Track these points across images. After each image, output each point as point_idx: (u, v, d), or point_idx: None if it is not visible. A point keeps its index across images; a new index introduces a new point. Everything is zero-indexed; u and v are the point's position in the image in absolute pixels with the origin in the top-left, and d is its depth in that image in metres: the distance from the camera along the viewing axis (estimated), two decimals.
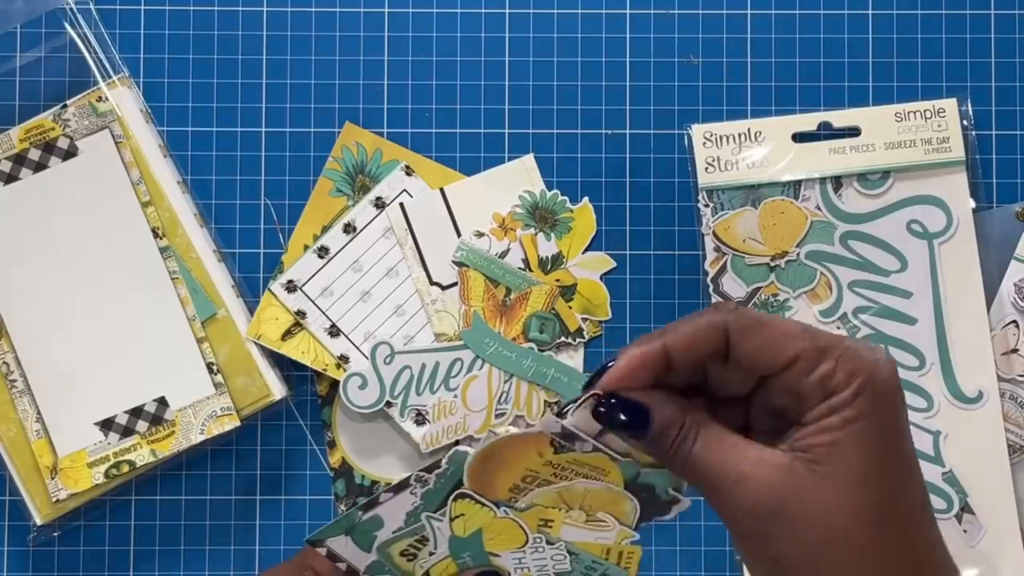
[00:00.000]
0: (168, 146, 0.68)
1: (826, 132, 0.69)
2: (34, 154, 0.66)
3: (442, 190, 0.69)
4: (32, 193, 0.66)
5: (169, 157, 0.68)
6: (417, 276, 0.68)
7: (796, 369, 0.37)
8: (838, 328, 0.67)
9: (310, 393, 0.69)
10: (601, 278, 0.69)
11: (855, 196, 0.68)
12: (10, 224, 0.66)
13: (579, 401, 0.40)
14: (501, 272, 0.68)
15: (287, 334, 0.68)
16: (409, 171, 0.69)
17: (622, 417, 0.39)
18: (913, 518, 0.38)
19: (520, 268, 0.69)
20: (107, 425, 0.65)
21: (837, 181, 0.68)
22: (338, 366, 0.67)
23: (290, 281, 0.68)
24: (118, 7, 0.69)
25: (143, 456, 0.65)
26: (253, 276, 0.69)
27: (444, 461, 0.46)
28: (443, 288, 0.68)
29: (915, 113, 0.68)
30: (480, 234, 0.69)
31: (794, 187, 0.68)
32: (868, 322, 0.67)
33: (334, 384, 0.68)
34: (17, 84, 0.69)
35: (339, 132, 0.69)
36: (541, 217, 0.69)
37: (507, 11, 0.70)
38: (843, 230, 0.68)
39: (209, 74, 0.70)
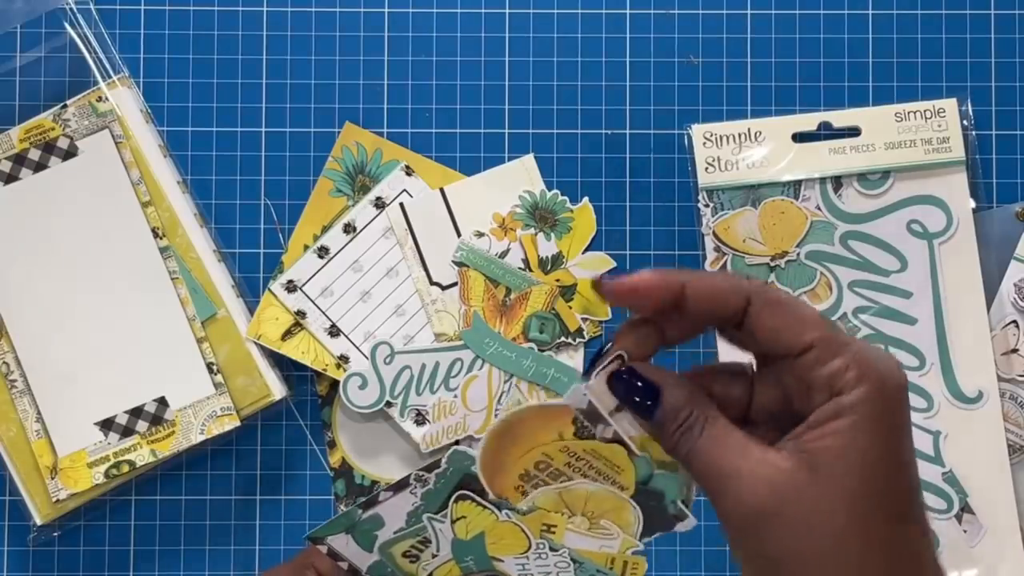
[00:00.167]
0: (168, 146, 0.68)
1: (826, 132, 0.69)
2: (34, 154, 0.66)
3: (442, 190, 0.69)
4: (32, 193, 0.66)
5: (169, 157, 0.68)
6: (417, 276, 0.68)
7: (809, 357, 0.37)
8: None
9: (310, 393, 0.69)
10: None
11: (855, 196, 0.68)
12: (10, 224, 0.66)
13: (606, 361, 0.39)
14: (501, 272, 0.68)
15: (287, 334, 0.68)
16: (409, 171, 0.69)
17: (635, 387, 0.39)
18: (911, 523, 0.38)
19: (520, 268, 0.69)
20: (107, 425, 0.65)
21: (837, 181, 0.68)
22: (338, 366, 0.67)
23: (290, 281, 0.68)
24: (118, 7, 0.69)
25: (143, 456, 0.65)
26: (253, 276, 0.69)
27: (444, 461, 0.46)
28: (443, 288, 0.68)
29: (915, 113, 0.68)
30: (480, 234, 0.69)
31: (794, 187, 0.68)
32: (868, 322, 0.67)
33: (334, 384, 0.68)
34: (17, 84, 0.69)
35: (339, 132, 0.69)
36: (541, 217, 0.69)
37: (507, 11, 0.70)
38: (843, 230, 0.68)
39: (209, 74, 0.70)
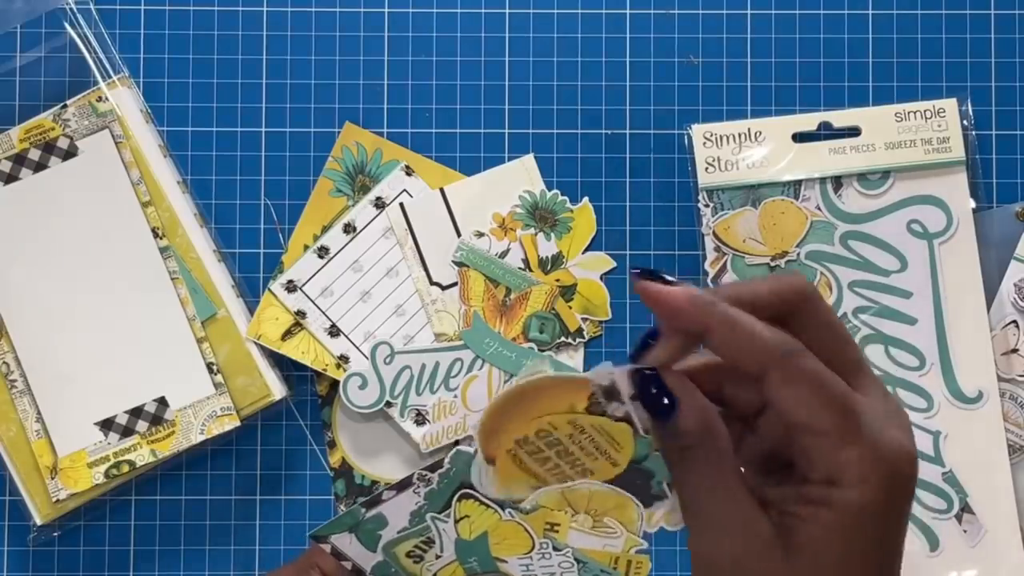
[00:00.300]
0: (168, 146, 0.68)
1: (826, 132, 0.69)
2: (34, 154, 0.66)
3: (442, 190, 0.69)
4: (32, 193, 0.66)
5: (169, 157, 0.68)
6: (417, 276, 0.68)
7: (816, 440, 0.35)
8: None
9: (310, 393, 0.69)
10: (601, 278, 0.69)
11: (855, 196, 0.68)
12: (10, 224, 0.66)
13: (642, 357, 0.38)
14: (501, 272, 0.68)
15: (287, 334, 0.68)
16: (409, 171, 0.69)
17: (654, 392, 0.37)
18: None
19: (520, 268, 0.69)
20: (107, 425, 0.65)
21: (837, 181, 0.68)
22: (338, 366, 0.67)
23: (290, 281, 0.68)
24: (118, 7, 0.69)
25: (143, 456, 0.65)
26: (253, 276, 0.69)
27: (447, 460, 0.46)
28: (443, 288, 0.68)
29: (915, 113, 0.68)
30: (480, 234, 0.69)
31: (794, 187, 0.68)
32: (868, 322, 0.67)
33: (334, 384, 0.68)
34: (17, 84, 0.69)
35: (339, 132, 0.69)
36: (541, 217, 0.69)
37: (507, 11, 0.70)
38: (843, 230, 0.68)
39: (209, 74, 0.70)
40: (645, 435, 0.41)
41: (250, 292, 0.69)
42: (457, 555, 0.49)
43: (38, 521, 0.66)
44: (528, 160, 0.69)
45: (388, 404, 0.67)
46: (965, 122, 0.68)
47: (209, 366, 0.66)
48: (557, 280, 0.69)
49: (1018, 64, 0.70)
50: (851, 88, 0.70)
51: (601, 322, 0.69)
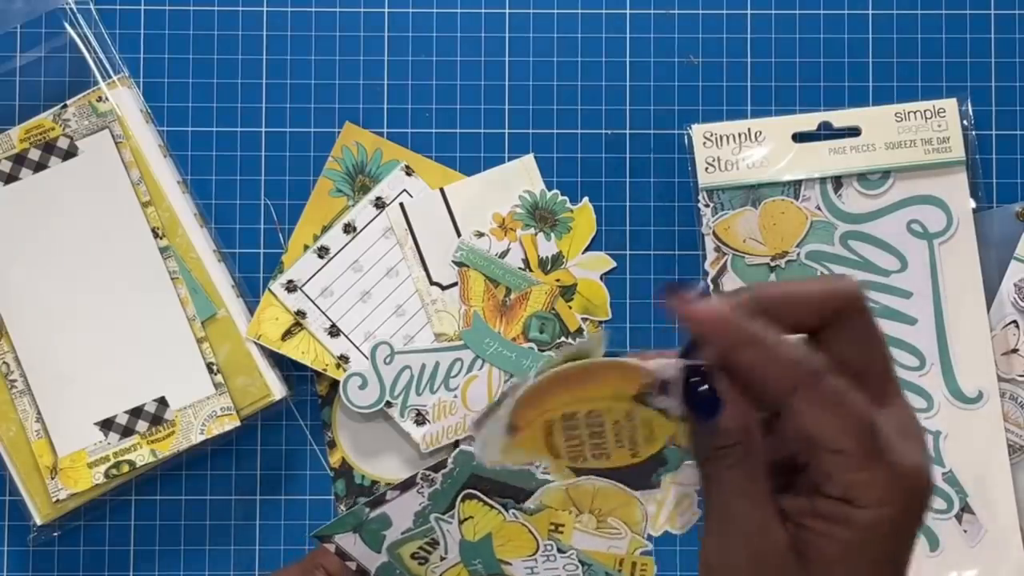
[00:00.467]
0: (168, 146, 0.68)
1: (826, 132, 0.69)
2: (34, 154, 0.66)
3: (442, 190, 0.69)
4: (32, 193, 0.66)
5: (169, 157, 0.68)
6: (417, 276, 0.68)
7: (836, 459, 0.36)
8: None
9: (310, 393, 0.69)
10: (601, 278, 0.69)
11: (855, 196, 0.68)
12: (10, 224, 0.66)
13: (690, 362, 0.38)
14: (501, 272, 0.68)
15: (287, 334, 0.68)
16: (409, 171, 0.69)
17: (700, 392, 0.37)
18: None
19: (520, 268, 0.69)
20: (107, 425, 0.65)
21: (837, 181, 0.68)
22: (338, 366, 0.67)
23: (290, 281, 0.68)
24: (118, 7, 0.69)
25: (143, 456, 0.65)
26: (253, 276, 0.69)
27: (450, 461, 0.46)
28: (443, 288, 0.68)
29: (915, 113, 0.68)
30: (480, 234, 0.69)
31: (794, 187, 0.68)
32: None
33: (334, 384, 0.68)
34: (17, 84, 0.69)
35: (339, 132, 0.69)
36: (541, 217, 0.69)
37: (507, 11, 0.70)
38: (843, 230, 0.68)
39: (209, 74, 0.70)
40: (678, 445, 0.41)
41: (250, 292, 0.69)
42: (461, 557, 0.49)
43: (38, 521, 0.66)
44: (528, 160, 0.69)
45: (388, 404, 0.67)
46: (965, 122, 0.68)
47: (209, 366, 0.66)
48: (557, 280, 0.69)
49: (1018, 64, 0.70)
50: (851, 88, 0.70)
51: (601, 322, 0.69)
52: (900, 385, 0.38)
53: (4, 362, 0.66)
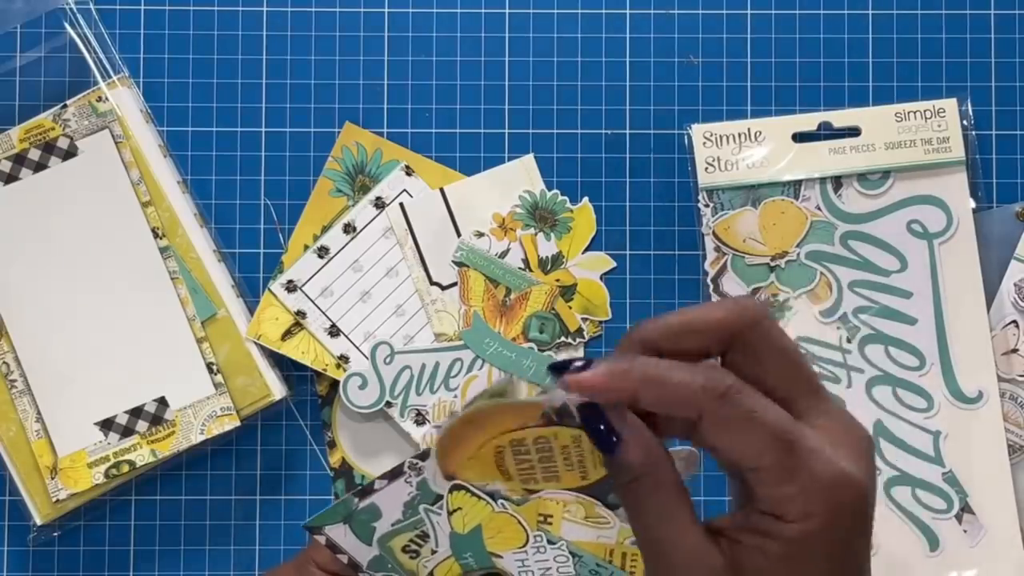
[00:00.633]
0: (168, 146, 0.68)
1: (826, 132, 0.69)
2: (34, 154, 0.66)
3: (442, 190, 0.69)
4: (32, 193, 0.66)
5: (169, 157, 0.68)
6: (417, 276, 0.68)
7: (757, 476, 0.35)
8: (838, 328, 0.67)
9: (310, 393, 0.69)
10: (601, 278, 0.69)
11: (855, 196, 0.68)
12: (10, 224, 0.66)
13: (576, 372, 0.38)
14: (501, 272, 0.68)
15: (287, 334, 0.68)
16: (409, 171, 0.69)
17: (599, 428, 0.37)
18: None
19: (520, 268, 0.69)
20: (107, 425, 0.65)
21: (837, 181, 0.68)
22: (338, 366, 0.67)
23: (290, 281, 0.68)
24: (118, 7, 0.69)
25: (143, 456, 0.65)
26: (253, 276, 0.69)
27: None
28: (443, 288, 0.68)
29: (915, 113, 0.68)
30: (480, 234, 0.69)
31: (794, 187, 0.68)
32: (868, 322, 0.67)
33: (334, 384, 0.68)
34: (17, 84, 0.69)
35: (339, 132, 0.69)
36: (541, 217, 0.69)
37: (507, 11, 0.70)
38: (843, 230, 0.68)
39: (209, 74, 0.70)
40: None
41: (250, 292, 0.69)
42: (452, 550, 0.49)
43: (38, 521, 0.66)
44: (528, 160, 0.69)
45: (388, 404, 0.67)
46: (965, 122, 0.68)
47: (209, 366, 0.66)
48: (557, 280, 0.69)
49: (1018, 64, 0.70)
50: (851, 88, 0.70)
51: (601, 322, 0.69)
52: (826, 392, 0.38)
53: (4, 362, 0.66)
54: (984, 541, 0.66)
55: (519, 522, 0.48)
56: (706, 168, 0.68)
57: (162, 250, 0.66)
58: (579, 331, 0.68)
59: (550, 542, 0.49)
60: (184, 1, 0.70)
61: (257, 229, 0.69)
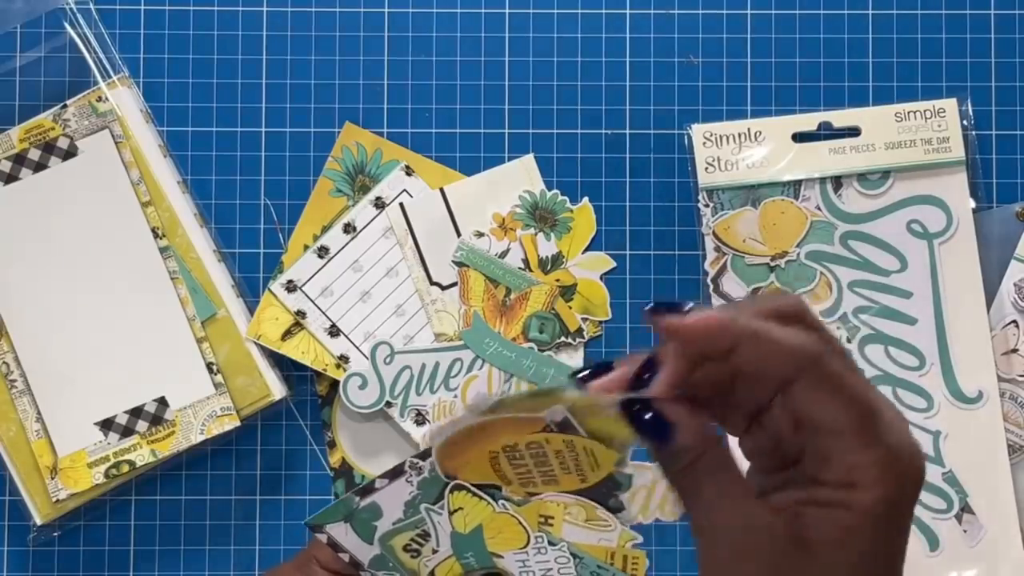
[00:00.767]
0: (168, 146, 0.68)
1: (826, 132, 0.69)
2: (34, 154, 0.66)
3: (442, 190, 0.69)
4: (32, 193, 0.66)
5: (169, 157, 0.68)
6: (417, 276, 0.68)
7: (836, 440, 0.36)
8: (838, 328, 0.67)
9: (310, 393, 0.69)
10: (601, 278, 0.69)
11: (855, 196, 0.68)
12: (10, 224, 0.66)
13: (610, 376, 0.38)
14: (501, 272, 0.68)
15: (287, 334, 0.68)
16: (409, 171, 0.69)
17: (648, 420, 0.37)
18: None
19: (520, 268, 0.69)
20: (107, 425, 0.65)
21: (837, 181, 0.68)
22: (338, 366, 0.67)
23: (290, 281, 0.68)
24: (118, 7, 0.69)
25: (143, 456, 0.65)
26: (253, 276, 0.69)
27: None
28: (443, 288, 0.68)
29: (915, 113, 0.68)
30: (480, 234, 0.69)
31: (794, 187, 0.68)
32: (868, 322, 0.67)
33: (334, 384, 0.68)
34: (17, 84, 0.69)
35: (339, 132, 0.69)
36: (541, 217, 0.69)
37: (507, 11, 0.70)
38: (843, 230, 0.68)
39: (209, 74, 0.70)
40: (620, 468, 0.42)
41: (250, 292, 0.69)
42: (453, 550, 0.49)
43: (38, 521, 0.66)
44: (528, 160, 0.69)
45: (388, 404, 0.67)
46: (965, 122, 0.68)
47: (209, 366, 0.66)
48: (557, 280, 0.69)
49: (1018, 64, 0.70)
50: (851, 88, 0.70)
51: (601, 322, 0.69)
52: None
53: (4, 362, 0.66)
54: (984, 541, 0.66)
55: (520, 523, 0.48)
56: (706, 168, 0.68)
57: (162, 250, 0.66)
58: (579, 331, 0.68)
59: (551, 543, 0.49)
60: (184, 1, 0.70)
61: (257, 229, 0.69)
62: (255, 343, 0.67)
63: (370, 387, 0.67)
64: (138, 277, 0.66)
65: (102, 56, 0.67)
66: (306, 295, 0.68)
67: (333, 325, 0.68)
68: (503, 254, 0.68)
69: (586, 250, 0.69)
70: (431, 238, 0.68)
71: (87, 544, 0.68)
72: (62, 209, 0.66)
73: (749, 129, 0.68)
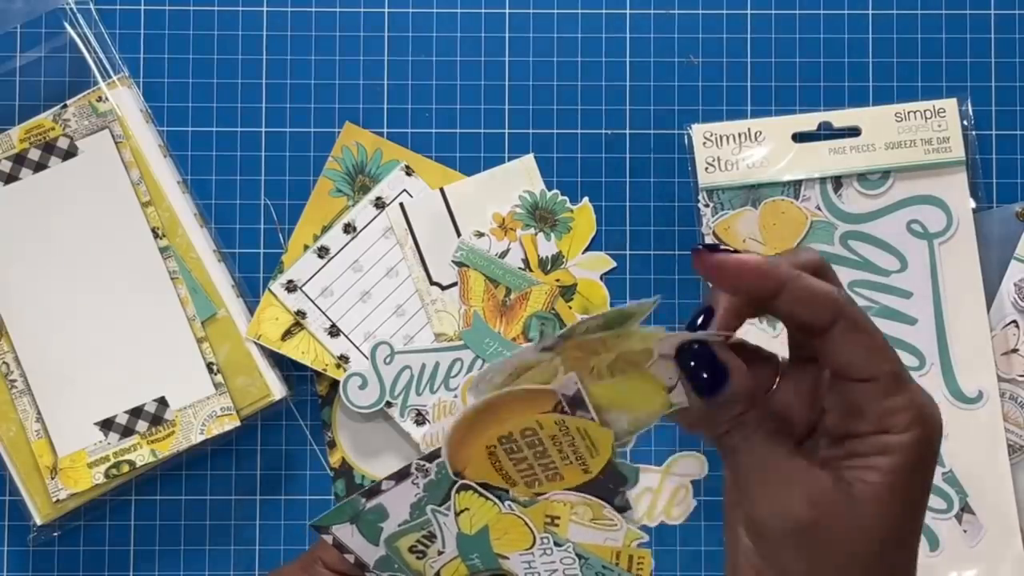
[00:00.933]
0: (168, 146, 0.68)
1: (826, 132, 0.69)
2: (34, 154, 0.66)
3: (442, 190, 0.69)
4: (32, 193, 0.66)
5: (169, 157, 0.68)
6: (417, 276, 0.68)
7: (870, 387, 0.37)
8: None
9: (310, 393, 0.69)
10: (601, 278, 0.69)
11: (855, 196, 0.68)
12: (10, 224, 0.66)
13: (700, 334, 0.39)
14: (501, 272, 0.68)
15: (287, 334, 0.68)
16: (409, 171, 0.69)
17: (704, 365, 0.38)
18: (914, 552, 0.39)
19: (520, 268, 0.69)
20: (107, 425, 0.65)
21: (837, 181, 0.68)
22: (338, 366, 0.67)
23: (290, 281, 0.68)
24: (118, 7, 0.69)
25: (143, 456, 0.65)
26: (253, 276, 0.69)
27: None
28: (443, 288, 0.68)
29: (915, 113, 0.68)
30: (480, 234, 0.69)
31: (794, 187, 0.68)
32: None
33: (334, 384, 0.68)
34: (17, 84, 0.69)
35: (339, 132, 0.69)
36: (541, 217, 0.69)
37: (507, 11, 0.70)
38: (843, 230, 0.68)
39: (209, 74, 0.70)
40: (622, 447, 0.42)
41: (250, 292, 0.69)
42: (459, 551, 0.49)
43: (38, 521, 0.66)
44: (528, 160, 0.69)
45: (388, 404, 0.67)
46: (965, 122, 0.68)
47: (209, 366, 0.66)
48: (557, 280, 0.69)
49: (1018, 64, 0.70)
50: (851, 88, 0.70)
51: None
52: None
53: (4, 362, 0.66)
54: (984, 541, 0.66)
55: (526, 523, 0.48)
56: (706, 168, 0.68)
57: (162, 250, 0.66)
58: None
59: (557, 544, 0.49)
60: (184, 1, 0.70)
61: (257, 229, 0.69)
62: (255, 343, 0.67)
63: (370, 387, 0.67)
64: (138, 277, 0.66)
65: (102, 56, 0.67)
66: (306, 295, 0.68)
67: (333, 325, 0.68)
68: (503, 254, 0.68)
69: (586, 250, 0.69)
70: (431, 238, 0.68)
71: (87, 544, 0.68)
72: (62, 209, 0.66)
73: (749, 129, 0.68)
